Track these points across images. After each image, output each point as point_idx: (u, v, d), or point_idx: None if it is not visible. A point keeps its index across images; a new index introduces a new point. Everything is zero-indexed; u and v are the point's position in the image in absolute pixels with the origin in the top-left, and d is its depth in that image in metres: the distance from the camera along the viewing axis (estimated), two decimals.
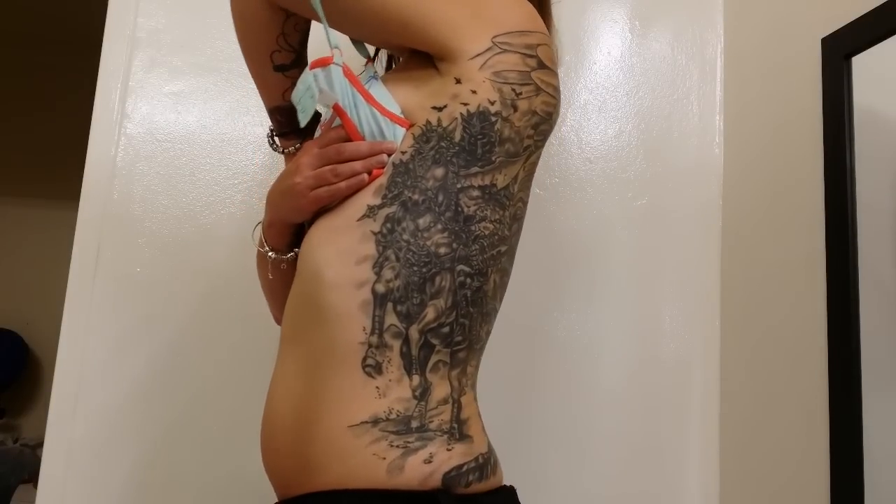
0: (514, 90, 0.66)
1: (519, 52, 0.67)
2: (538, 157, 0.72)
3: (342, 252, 0.61)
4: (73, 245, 1.11)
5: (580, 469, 1.19)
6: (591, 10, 1.32)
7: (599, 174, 1.27)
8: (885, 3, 0.94)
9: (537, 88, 0.69)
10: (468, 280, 0.61)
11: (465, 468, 0.59)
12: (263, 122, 1.19)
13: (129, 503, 1.08)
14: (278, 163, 1.15)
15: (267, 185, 1.17)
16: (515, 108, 0.66)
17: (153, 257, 1.13)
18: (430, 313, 0.60)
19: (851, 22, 0.99)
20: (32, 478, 2.46)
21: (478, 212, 0.63)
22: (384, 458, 0.56)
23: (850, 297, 0.94)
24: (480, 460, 0.60)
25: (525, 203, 0.70)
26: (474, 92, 0.64)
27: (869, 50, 0.97)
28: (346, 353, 0.58)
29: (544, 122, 0.70)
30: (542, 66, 0.70)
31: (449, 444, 0.59)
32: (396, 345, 0.59)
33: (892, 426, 0.88)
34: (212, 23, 1.20)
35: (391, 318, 0.59)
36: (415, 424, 0.58)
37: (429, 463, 0.57)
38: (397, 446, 0.56)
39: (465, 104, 0.64)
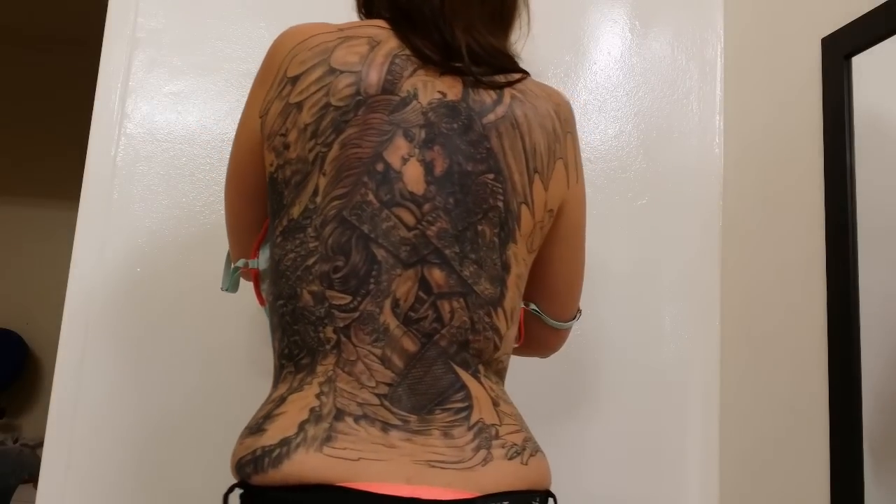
0: (280, 135, 0.72)
1: (278, 99, 0.73)
2: (343, 120, 0.70)
3: None
4: (73, 245, 1.11)
5: (580, 469, 1.19)
6: (591, 10, 1.32)
7: (599, 174, 1.27)
8: (885, 3, 0.94)
9: (297, 107, 0.71)
10: (284, 308, 0.71)
11: (245, 459, 0.64)
12: None
13: (128, 503, 1.08)
14: None
15: None
16: (287, 146, 0.71)
17: (153, 257, 1.13)
18: (275, 344, 0.73)
19: (851, 22, 1.00)
20: (32, 478, 2.46)
21: (281, 253, 0.71)
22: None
23: (850, 297, 0.94)
24: (256, 452, 0.64)
25: (335, 145, 0.70)
26: (268, 167, 0.74)
27: (869, 50, 0.97)
28: None
29: (324, 116, 0.70)
30: (291, 81, 0.72)
31: (243, 439, 0.66)
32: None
33: (892, 426, 0.88)
34: (212, 23, 1.20)
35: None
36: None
37: (233, 455, 0.67)
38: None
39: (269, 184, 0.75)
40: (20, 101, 3.34)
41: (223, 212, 1.17)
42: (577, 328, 1.20)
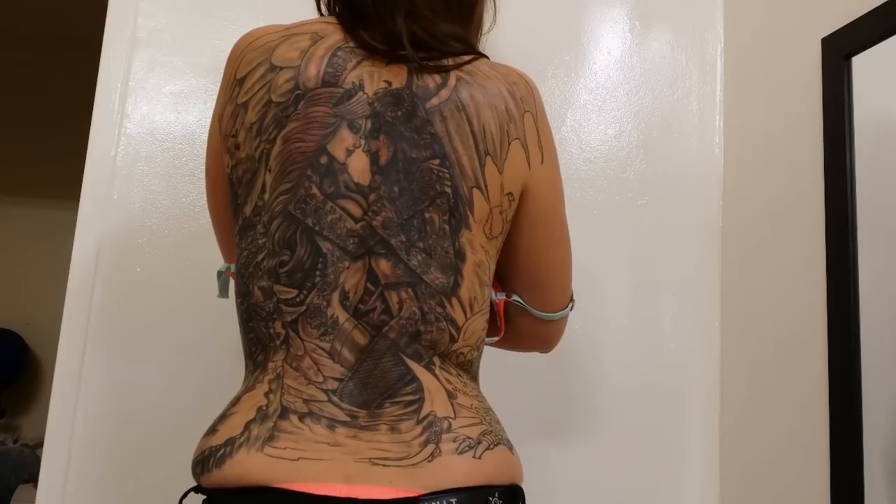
0: (231, 136, 0.72)
1: (230, 101, 0.73)
2: (287, 109, 0.70)
3: None
4: (73, 245, 1.11)
5: (580, 469, 1.19)
6: (591, 10, 1.32)
7: (599, 174, 1.27)
8: (885, 3, 0.94)
9: (244, 107, 0.71)
10: (240, 307, 0.71)
11: (196, 460, 0.66)
12: None
13: (129, 503, 1.08)
14: None
15: None
16: (237, 147, 0.71)
17: (153, 257, 1.13)
18: (242, 344, 0.73)
19: (851, 22, 1.00)
20: (32, 478, 2.46)
21: (238, 251, 0.72)
22: None
23: (850, 296, 0.94)
24: (204, 452, 0.65)
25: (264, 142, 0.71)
26: (226, 168, 0.75)
27: (869, 50, 0.97)
28: None
29: (266, 113, 0.70)
30: (239, 82, 0.73)
31: (200, 440, 0.68)
32: None
33: (892, 426, 0.88)
34: (212, 23, 1.20)
35: None
36: None
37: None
38: None
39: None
40: (20, 102, 3.34)
41: None
42: (576, 328, 1.21)
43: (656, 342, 1.23)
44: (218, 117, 0.75)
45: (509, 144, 0.72)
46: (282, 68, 0.71)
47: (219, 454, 0.64)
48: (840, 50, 1.01)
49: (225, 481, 0.63)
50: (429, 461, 0.63)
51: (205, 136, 1.17)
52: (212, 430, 0.67)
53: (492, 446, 0.67)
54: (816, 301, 1.02)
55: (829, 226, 1.00)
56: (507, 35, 1.16)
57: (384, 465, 0.63)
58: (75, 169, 1.19)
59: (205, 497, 0.65)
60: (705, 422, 1.22)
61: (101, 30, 1.17)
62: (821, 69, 1.05)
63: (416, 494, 0.62)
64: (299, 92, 0.69)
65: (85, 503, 1.07)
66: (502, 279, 0.82)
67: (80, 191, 1.12)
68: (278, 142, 0.69)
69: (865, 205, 0.95)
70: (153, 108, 1.17)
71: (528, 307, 0.82)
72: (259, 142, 0.70)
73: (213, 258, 1.14)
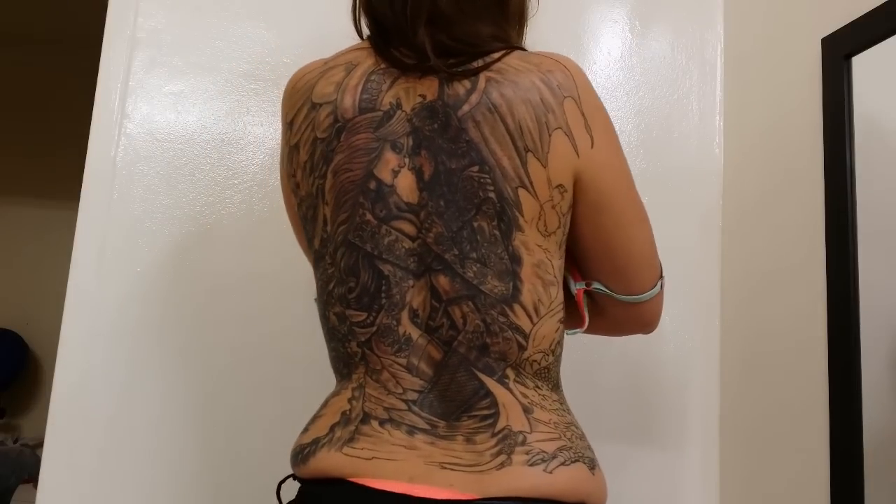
0: (291, 176, 0.77)
1: (286, 145, 0.78)
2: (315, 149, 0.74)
3: None
4: (73, 245, 1.11)
5: None
6: (591, 10, 1.32)
7: None
8: (885, 3, 0.94)
9: (296, 148, 0.76)
10: (324, 329, 0.76)
11: (292, 454, 0.73)
12: (263, 123, 1.19)
13: (129, 503, 1.08)
14: (278, 162, 1.15)
15: (267, 185, 1.17)
16: (298, 186, 0.76)
17: (153, 257, 1.13)
18: (329, 359, 0.78)
19: (851, 22, 1.00)
20: (32, 478, 2.46)
21: (316, 283, 0.76)
22: None
23: (850, 296, 0.94)
24: (297, 449, 0.72)
25: (320, 183, 0.74)
26: (295, 208, 0.80)
27: (869, 50, 0.97)
28: None
29: (314, 150, 0.73)
30: (289, 126, 0.77)
31: (297, 437, 0.75)
32: None
33: (892, 425, 0.88)
34: (212, 23, 1.20)
35: None
36: None
37: None
38: None
39: None
40: (20, 101, 3.34)
41: (223, 212, 1.17)
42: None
43: (656, 342, 1.23)
44: (281, 161, 0.79)
45: (550, 135, 0.69)
46: (321, 104, 0.73)
47: (305, 451, 0.71)
48: (840, 50, 1.01)
49: (310, 474, 0.70)
50: (497, 469, 0.64)
51: (205, 136, 1.18)
52: (305, 429, 0.74)
53: (567, 462, 0.67)
54: (816, 301, 1.02)
55: (829, 226, 1.00)
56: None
57: (452, 470, 0.65)
58: (75, 169, 1.19)
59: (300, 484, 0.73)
60: (705, 422, 1.22)
61: (101, 30, 1.17)
62: (821, 69, 1.05)
63: (471, 498, 0.63)
64: (339, 124, 0.71)
65: (85, 503, 1.07)
66: (581, 268, 0.80)
67: (80, 190, 1.12)
68: (329, 176, 0.71)
69: (865, 205, 0.95)
70: (153, 108, 1.17)
71: (611, 293, 0.79)
72: (313, 178, 0.73)
73: (213, 258, 1.15)
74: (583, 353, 1.21)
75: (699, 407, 1.22)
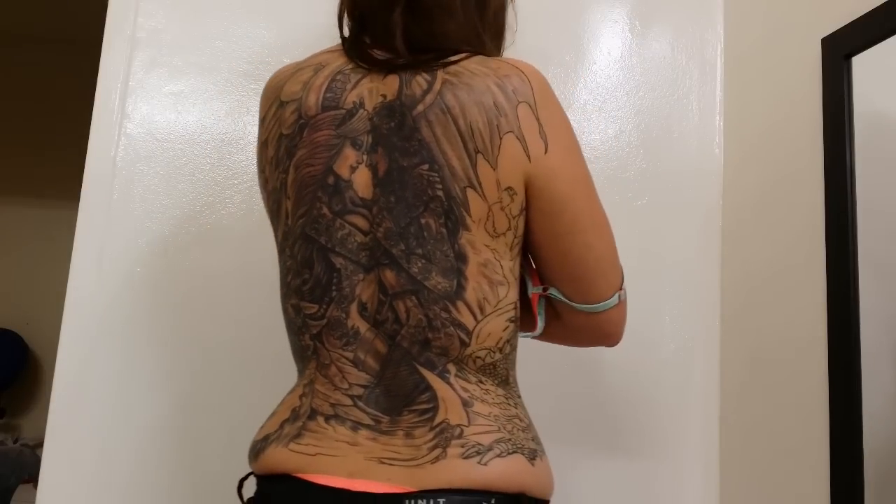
0: (261, 172, 0.79)
1: (258, 142, 0.81)
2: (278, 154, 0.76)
3: None
4: (73, 245, 1.11)
5: (579, 469, 1.19)
6: (591, 10, 1.32)
7: (599, 174, 1.26)
8: (885, 3, 0.94)
9: (265, 144, 0.78)
10: (284, 321, 0.78)
11: (249, 450, 0.75)
12: None
13: (128, 503, 1.08)
14: None
15: None
16: (266, 181, 0.78)
17: (153, 257, 1.13)
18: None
19: (851, 22, 1.00)
20: (32, 478, 2.46)
21: (279, 274, 0.78)
22: None
23: (850, 296, 0.94)
24: (251, 445, 0.75)
25: (278, 180, 0.76)
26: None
27: (869, 50, 0.97)
28: None
29: (279, 146, 0.75)
30: (261, 123, 0.80)
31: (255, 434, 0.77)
32: None
33: (892, 425, 0.88)
34: (212, 23, 1.20)
35: None
36: None
37: None
38: None
39: None
40: (20, 101, 3.34)
41: (223, 212, 1.17)
42: None
43: (656, 342, 1.23)
44: (257, 158, 0.81)
45: (501, 138, 0.70)
46: (288, 102, 0.75)
47: (257, 448, 0.73)
48: (840, 50, 1.01)
49: (260, 469, 0.73)
50: (432, 463, 0.66)
51: (205, 136, 1.18)
52: (262, 426, 0.76)
53: (504, 454, 0.67)
54: (816, 300, 1.02)
55: (829, 225, 1.00)
56: (506, 35, 1.16)
57: (390, 465, 0.67)
58: (75, 169, 1.19)
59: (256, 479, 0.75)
60: (705, 421, 1.22)
61: (101, 30, 1.17)
62: (821, 69, 1.05)
63: (407, 491, 0.65)
64: (302, 121, 0.73)
65: (85, 503, 1.07)
66: (539, 273, 0.80)
67: (80, 191, 1.12)
68: (291, 170, 0.73)
69: (865, 204, 0.95)
70: (153, 108, 1.17)
71: (565, 300, 0.78)
72: (278, 173, 0.75)
73: (213, 258, 1.14)
74: (582, 352, 1.21)
75: (699, 407, 1.22)
